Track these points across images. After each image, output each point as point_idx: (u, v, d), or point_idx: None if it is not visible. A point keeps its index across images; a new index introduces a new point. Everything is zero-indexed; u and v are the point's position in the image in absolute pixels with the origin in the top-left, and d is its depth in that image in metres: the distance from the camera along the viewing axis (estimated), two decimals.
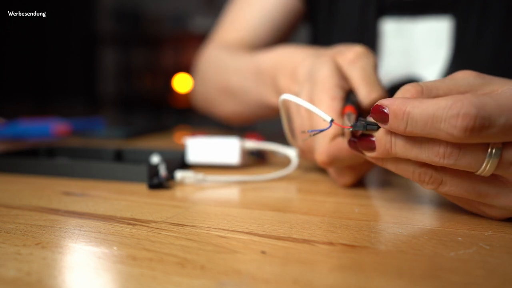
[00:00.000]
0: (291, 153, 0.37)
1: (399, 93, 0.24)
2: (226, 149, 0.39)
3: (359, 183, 0.34)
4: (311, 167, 0.41)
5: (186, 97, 2.73)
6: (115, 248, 0.20)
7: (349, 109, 0.29)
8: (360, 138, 0.25)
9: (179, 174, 0.33)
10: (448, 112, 0.20)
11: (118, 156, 0.43)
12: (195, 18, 2.88)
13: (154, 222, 0.24)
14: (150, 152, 0.42)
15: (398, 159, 0.24)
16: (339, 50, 0.35)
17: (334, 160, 0.30)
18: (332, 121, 0.25)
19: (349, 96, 0.32)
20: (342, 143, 0.30)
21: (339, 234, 0.22)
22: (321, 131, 0.26)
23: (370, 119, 0.24)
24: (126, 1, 3.07)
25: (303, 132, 0.32)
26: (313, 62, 0.35)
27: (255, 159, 0.44)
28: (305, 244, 0.20)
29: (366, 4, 0.51)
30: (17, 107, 2.57)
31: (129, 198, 0.29)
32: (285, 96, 0.28)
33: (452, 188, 0.23)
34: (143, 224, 0.23)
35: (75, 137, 0.67)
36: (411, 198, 0.30)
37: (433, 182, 0.23)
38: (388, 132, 0.23)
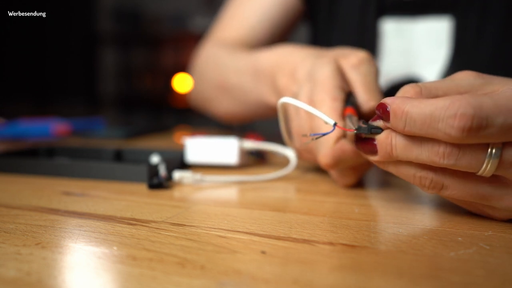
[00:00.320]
0: (289, 153, 0.37)
1: (399, 94, 0.24)
2: (224, 149, 0.39)
3: (359, 183, 0.34)
4: (310, 167, 0.41)
5: (186, 97, 2.74)
6: (115, 248, 0.20)
7: (350, 111, 0.29)
8: (362, 141, 0.25)
9: (177, 174, 0.33)
10: (445, 112, 0.20)
11: (118, 156, 0.43)
12: (195, 18, 2.89)
13: (154, 222, 0.24)
14: (150, 152, 0.42)
15: (399, 162, 0.24)
16: (342, 53, 0.35)
17: (338, 162, 0.30)
18: (335, 124, 0.25)
19: (349, 98, 0.32)
20: (346, 145, 0.30)
21: (339, 234, 0.22)
22: (324, 135, 0.26)
23: (372, 123, 0.24)
24: (126, 1, 3.08)
25: (305, 135, 0.32)
26: (313, 62, 0.35)
27: (255, 159, 0.44)
28: (305, 244, 0.20)
29: (366, 4, 0.51)
30: (17, 107, 2.57)
31: (129, 198, 0.29)
32: (286, 99, 0.28)
33: (455, 191, 0.23)
34: (143, 224, 0.23)
35: (75, 137, 0.66)
36: (411, 198, 0.30)
37: (433, 187, 0.23)
38: (388, 135, 0.23)
